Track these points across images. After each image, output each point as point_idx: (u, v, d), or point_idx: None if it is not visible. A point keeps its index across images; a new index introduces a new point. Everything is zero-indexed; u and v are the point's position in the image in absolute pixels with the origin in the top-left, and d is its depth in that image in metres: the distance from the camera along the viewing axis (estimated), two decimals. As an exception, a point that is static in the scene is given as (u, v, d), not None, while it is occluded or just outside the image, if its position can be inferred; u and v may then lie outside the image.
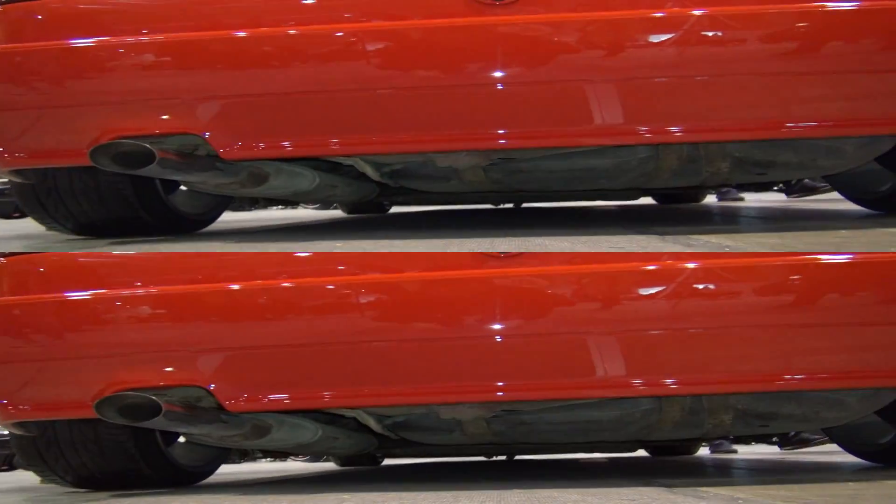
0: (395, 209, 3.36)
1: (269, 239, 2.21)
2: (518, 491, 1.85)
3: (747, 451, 4.48)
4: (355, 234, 2.31)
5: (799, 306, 1.83)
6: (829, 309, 1.83)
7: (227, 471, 2.92)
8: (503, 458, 3.61)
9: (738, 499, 1.67)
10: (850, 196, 2.51)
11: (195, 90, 1.90)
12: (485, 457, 3.59)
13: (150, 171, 1.92)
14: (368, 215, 3.21)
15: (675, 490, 1.83)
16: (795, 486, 1.96)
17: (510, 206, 3.16)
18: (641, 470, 2.66)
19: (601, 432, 2.19)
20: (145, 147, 1.86)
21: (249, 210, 4.15)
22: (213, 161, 1.99)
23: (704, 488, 1.88)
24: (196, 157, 1.99)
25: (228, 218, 2.60)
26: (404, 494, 1.78)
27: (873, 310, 1.83)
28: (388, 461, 3.81)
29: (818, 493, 1.78)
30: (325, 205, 3.79)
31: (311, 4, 1.95)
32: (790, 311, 1.82)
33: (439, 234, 2.23)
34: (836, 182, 2.53)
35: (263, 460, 4.60)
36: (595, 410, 2.10)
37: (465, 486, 2.08)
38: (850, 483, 1.95)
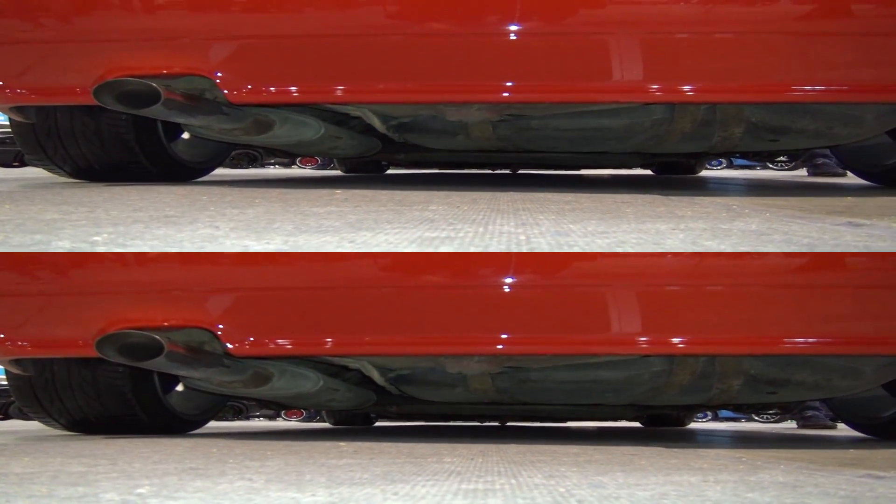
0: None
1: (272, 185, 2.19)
2: (518, 445, 1.84)
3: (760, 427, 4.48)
4: (354, 185, 2.29)
5: (816, 270, 1.78)
6: (845, 273, 1.79)
7: (217, 425, 2.90)
8: (496, 424, 3.61)
9: (742, 458, 1.67)
10: (855, 169, 2.49)
11: (205, 30, 1.85)
12: (478, 422, 3.59)
13: (155, 112, 1.87)
14: (367, 175, 3.19)
15: (674, 451, 1.83)
16: (797, 451, 1.96)
17: (507, 171, 3.14)
18: (637, 437, 2.66)
19: (607, 394, 2.16)
20: (151, 86, 1.82)
21: (247, 168, 4.13)
22: (219, 105, 1.94)
23: (704, 450, 1.87)
24: (202, 99, 1.94)
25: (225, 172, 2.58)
26: (401, 445, 1.77)
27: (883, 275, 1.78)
28: (379, 423, 3.81)
29: (822, 457, 1.78)
30: (325, 161, 3.75)
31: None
32: (807, 273, 1.78)
33: (442, 186, 2.21)
34: (842, 154, 2.51)
35: (256, 419, 4.60)
36: (603, 370, 2.06)
37: (463, 440, 2.06)
38: (852, 450, 1.95)
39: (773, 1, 1.86)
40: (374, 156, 2.57)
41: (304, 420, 4.39)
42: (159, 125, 2.21)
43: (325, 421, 3.83)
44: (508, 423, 3.57)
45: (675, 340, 1.81)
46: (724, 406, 3.22)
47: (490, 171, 3.15)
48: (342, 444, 1.78)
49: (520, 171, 3.14)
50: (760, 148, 2.35)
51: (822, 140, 2.27)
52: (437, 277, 1.82)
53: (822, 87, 1.90)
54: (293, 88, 1.87)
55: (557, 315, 1.83)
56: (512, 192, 1.96)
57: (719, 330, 1.82)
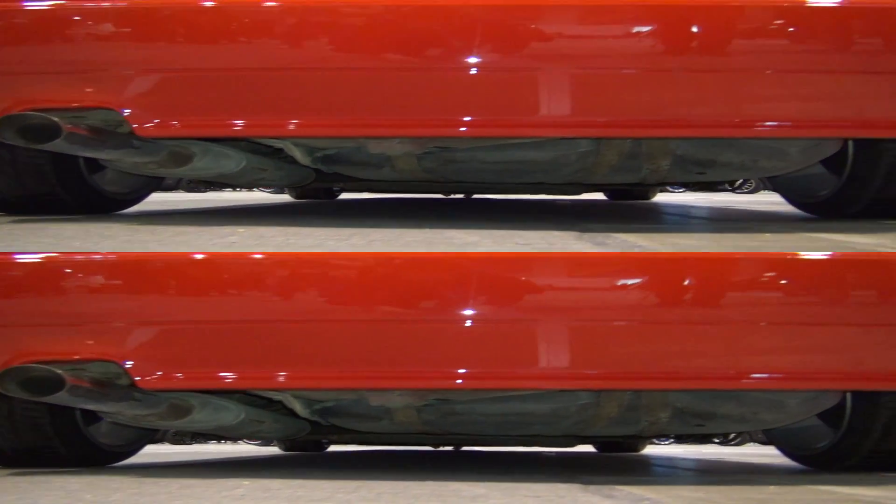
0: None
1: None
2: (426, 483, 1.84)
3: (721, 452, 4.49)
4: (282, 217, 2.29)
5: (736, 305, 1.81)
6: (766, 309, 1.82)
7: (164, 451, 2.90)
8: (449, 448, 3.60)
9: (647, 498, 1.66)
10: (789, 198, 2.49)
11: (111, 62, 1.85)
12: (431, 446, 3.58)
13: (57, 146, 1.86)
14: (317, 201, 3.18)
15: (589, 487, 1.82)
16: (713, 488, 1.96)
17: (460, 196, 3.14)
18: (573, 465, 2.65)
19: (535, 426, 2.17)
20: (51, 120, 1.81)
21: (204, 191, 4.11)
22: (128, 138, 1.93)
23: (620, 486, 1.87)
24: (109, 133, 1.93)
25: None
26: (307, 482, 1.76)
27: (813, 310, 1.82)
28: (334, 447, 3.79)
29: (732, 495, 1.78)
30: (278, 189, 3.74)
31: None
32: (727, 309, 1.81)
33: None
34: (777, 184, 2.52)
35: (212, 442, 4.58)
36: (530, 403, 2.08)
37: (373, 475, 2.05)
38: (771, 486, 1.94)
39: (694, 39, 1.88)
40: (311, 184, 2.58)
41: (261, 444, 4.38)
42: (80, 156, 2.19)
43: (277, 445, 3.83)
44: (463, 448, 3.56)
45: (594, 374, 1.83)
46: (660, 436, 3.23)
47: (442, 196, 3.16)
48: (245, 482, 1.77)
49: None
50: (689, 180, 2.36)
51: (749, 173, 2.29)
52: (353, 311, 1.84)
53: (744, 125, 1.92)
54: (202, 122, 1.86)
55: (478, 350, 1.84)
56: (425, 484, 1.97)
57: (638, 365, 1.83)
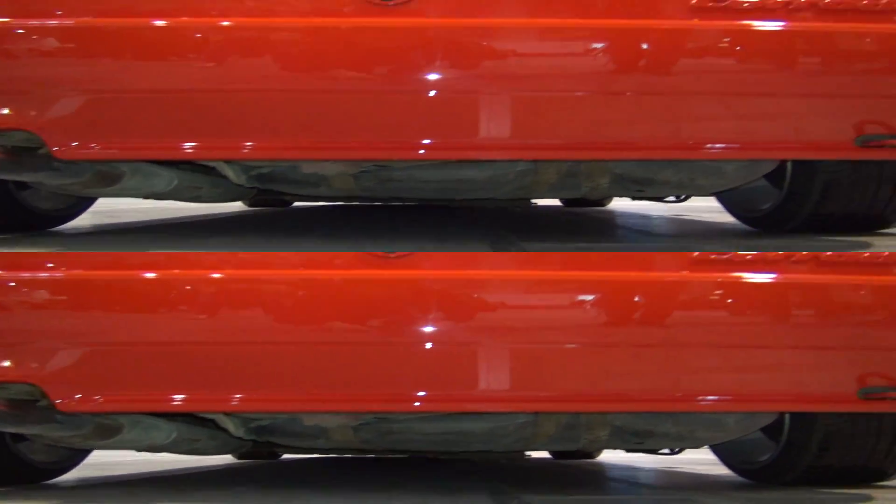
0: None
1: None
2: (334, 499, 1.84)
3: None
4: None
5: (670, 327, 1.81)
6: (702, 331, 1.82)
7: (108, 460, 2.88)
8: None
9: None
10: (732, 211, 2.49)
11: (28, 83, 1.81)
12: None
13: None
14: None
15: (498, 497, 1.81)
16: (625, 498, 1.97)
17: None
18: (506, 475, 2.65)
19: (474, 444, 2.16)
20: None
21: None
22: (49, 160, 1.89)
23: (531, 495, 1.88)
24: (29, 154, 1.89)
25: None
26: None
27: (749, 333, 1.82)
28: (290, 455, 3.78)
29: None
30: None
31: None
32: (661, 331, 1.81)
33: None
34: (720, 197, 2.51)
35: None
36: (467, 422, 2.07)
37: (273, 489, 2.02)
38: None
39: (629, 64, 1.86)
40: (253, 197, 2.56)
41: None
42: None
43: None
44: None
45: (533, 397, 1.84)
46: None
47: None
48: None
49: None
50: (628, 196, 2.36)
51: (687, 190, 2.29)
52: (278, 331, 1.82)
53: (679, 146, 1.91)
54: (123, 145, 1.83)
55: (414, 372, 1.83)
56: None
57: (576, 387, 1.83)
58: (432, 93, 1.82)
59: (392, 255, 1.82)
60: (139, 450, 2.17)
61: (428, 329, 1.81)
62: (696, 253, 1.88)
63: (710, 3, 1.87)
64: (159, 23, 1.81)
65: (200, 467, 2.75)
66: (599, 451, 3.16)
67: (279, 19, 1.82)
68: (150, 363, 1.80)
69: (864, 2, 1.88)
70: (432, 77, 1.82)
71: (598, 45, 1.83)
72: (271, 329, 1.79)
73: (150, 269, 1.81)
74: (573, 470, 2.75)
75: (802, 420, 2.15)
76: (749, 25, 1.85)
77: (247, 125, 1.84)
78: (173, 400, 1.80)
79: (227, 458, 3.36)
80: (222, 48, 1.80)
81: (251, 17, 1.82)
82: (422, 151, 1.89)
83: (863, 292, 1.84)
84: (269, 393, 1.81)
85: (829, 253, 1.88)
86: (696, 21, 1.84)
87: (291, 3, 1.83)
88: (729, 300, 1.83)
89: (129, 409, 1.84)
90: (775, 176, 2.29)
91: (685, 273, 1.83)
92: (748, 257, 1.88)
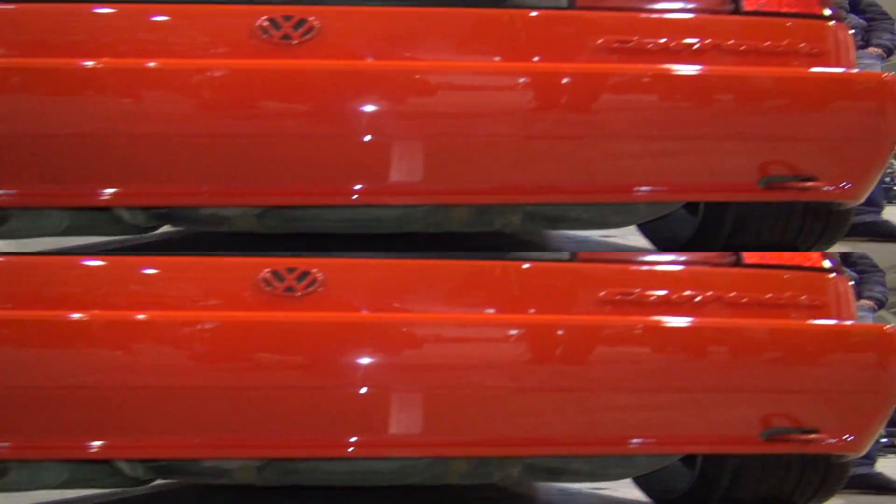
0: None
1: None
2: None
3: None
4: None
5: (576, 371, 1.80)
6: (603, 374, 1.81)
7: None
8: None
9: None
10: (652, 240, 2.49)
11: None
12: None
13: None
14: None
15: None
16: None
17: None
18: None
19: (383, 481, 2.13)
20: None
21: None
22: None
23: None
24: None
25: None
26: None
27: (650, 375, 1.81)
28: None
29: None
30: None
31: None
32: (566, 375, 1.80)
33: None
34: (642, 227, 2.51)
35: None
36: (374, 461, 2.03)
37: None
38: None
39: (535, 107, 1.83)
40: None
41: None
42: None
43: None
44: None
45: (440, 441, 1.82)
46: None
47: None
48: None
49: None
50: (542, 230, 2.34)
51: (599, 226, 2.28)
52: (165, 374, 1.75)
53: (586, 190, 1.91)
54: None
55: (317, 417, 1.79)
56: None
57: (486, 432, 1.82)
58: (336, 136, 1.78)
59: (298, 290, 1.81)
60: (30, 489, 2.12)
61: (331, 373, 1.77)
62: (603, 292, 1.89)
63: (616, 45, 1.86)
64: (43, 63, 1.74)
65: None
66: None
67: (171, 60, 1.76)
68: (32, 408, 1.73)
69: (766, 44, 1.90)
70: (336, 120, 1.78)
71: (503, 88, 1.81)
72: (159, 372, 1.73)
73: (31, 307, 1.76)
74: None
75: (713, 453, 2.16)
76: (653, 68, 1.84)
77: (137, 170, 1.78)
78: (57, 447, 1.74)
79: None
80: (111, 89, 1.74)
81: (142, 58, 1.76)
82: (324, 197, 1.86)
83: (764, 334, 1.85)
84: (159, 439, 1.76)
85: (732, 294, 1.89)
86: (599, 64, 1.83)
87: (184, 42, 1.77)
88: (632, 343, 1.82)
89: (9, 458, 1.78)
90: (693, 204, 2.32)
91: (587, 317, 1.82)
92: (652, 298, 1.88)
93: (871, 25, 4.20)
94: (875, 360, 1.87)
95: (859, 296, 3.74)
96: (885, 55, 4.06)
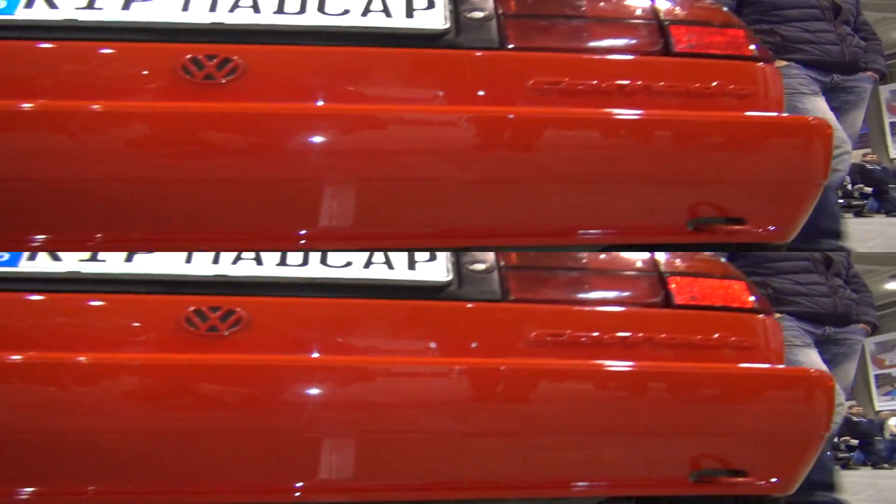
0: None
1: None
2: None
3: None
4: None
5: (498, 415, 1.78)
6: (531, 417, 1.79)
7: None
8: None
9: None
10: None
11: None
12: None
13: None
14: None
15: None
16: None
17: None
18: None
19: None
20: None
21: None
22: None
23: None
24: None
25: None
26: None
27: (578, 417, 1.80)
28: None
29: None
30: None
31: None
32: (491, 420, 1.78)
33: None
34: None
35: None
36: None
37: None
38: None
39: (459, 150, 1.80)
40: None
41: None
42: None
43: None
44: None
45: (373, 487, 1.78)
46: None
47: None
48: None
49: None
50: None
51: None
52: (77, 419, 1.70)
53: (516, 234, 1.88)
54: None
55: (247, 463, 1.75)
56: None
57: (416, 476, 1.79)
58: (259, 182, 1.73)
59: (222, 329, 1.77)
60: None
61: (255, 417, 1.72)
62: (534, 333, 1.87)
63: (547, 86, 1.85)
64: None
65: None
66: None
67: (85, 102, 1.67)
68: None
69: (696, 85, 1.89)
70: (265, 164, 1.73)
71: (426, 132, 1.77)
72: (75, 416, 1.67)
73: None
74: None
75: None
76: (582, 110, 1.81)
77: (49, 217, 1.71)
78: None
79: None
80: (23, 132, 1.66)
81: (55, 99, 1.68)
82: (261, 244, 1.79)
83: (693, 377, 1.84)
84: (77, 487, 1.69)
85: (662, 336, 1.88)
86: (524, 108, 1.80)
87: (99, 83, 1.70)
88: (562, 386, 1.81)
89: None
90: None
91: (517, 360, 1.80)
92: (583, 340, 1.87)
93: (865, 47, 4.25)
94: (803, 402, 1.88)
95: (857, 319, 3.81)
96: (877, 79, 4.12)
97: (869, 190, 13.07)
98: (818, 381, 1.87)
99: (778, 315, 3.26)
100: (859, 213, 13.37)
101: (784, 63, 3.55)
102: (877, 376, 17.73)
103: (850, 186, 13.38)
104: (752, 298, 1.95)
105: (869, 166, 13.37)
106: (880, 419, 14.50)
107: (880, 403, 17.13)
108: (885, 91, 16.56)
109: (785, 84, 3.29)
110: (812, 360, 3.45)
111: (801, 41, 3.63)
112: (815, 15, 3.68)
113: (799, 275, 3.56)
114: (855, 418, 14.10)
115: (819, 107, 3.58)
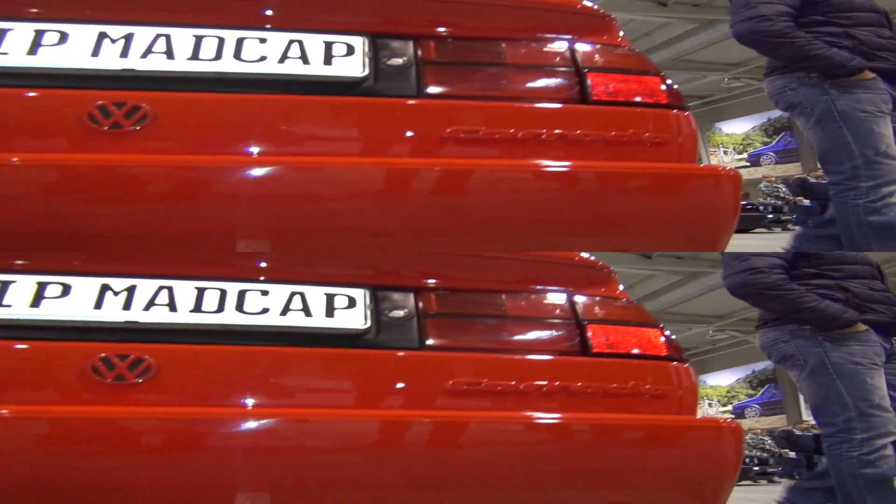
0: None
1: None
2: None
3: None
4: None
5: (411, 467, 1.75)
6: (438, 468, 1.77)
7: None
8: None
9: None
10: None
11: None
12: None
13: None
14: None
15: None
16: None
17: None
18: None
19: None
20: None
21: None
22: None
23: None
24: None
25: None
26: None
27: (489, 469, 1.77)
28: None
29: None
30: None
31: None
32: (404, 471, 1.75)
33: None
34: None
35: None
36: None
37: None
38: None
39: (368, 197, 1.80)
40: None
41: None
42: None
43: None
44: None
45: None
46: None
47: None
48: None
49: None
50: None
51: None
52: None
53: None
54: None
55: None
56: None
57: None
58: (166, 237, 1.71)
59: (129, 378, 1.72)
60: None
61: (163, 470, 1.67)
62: (451, 382, 1.86)
63: (463, 135, 1.83)
64: None
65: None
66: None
67: None
68: None
69: (612, 133, 1.88)
70: (171, 218, 1.71)
71: (340, 180, 1.76)
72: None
73: None
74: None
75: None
76: (498, 161, 1.81)
77: None
78: None
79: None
80: None
81: None
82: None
83: (605, 427, 1.83)
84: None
85: (578, 384, 1.88)
86: (438, 159, 1.79)
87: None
88: (475, 437, 1.78)
89: None
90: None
91: (430, 412, 1.78)
92: (499, 388, 1.86)
93: None
94: (713, 453, 1.89)
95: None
96: None
97: (808, 202, 13.35)
98: (729, 431, 1.88)
99: (863, 327, 3.11)
100: (784, 226, 13.66)
101: (871, 76, 3.18)
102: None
103: (790, 200, 13.65)
104: (667, 345, 1.96)
105: (812, 180, 13.65)
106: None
107: (808, 416, 17.48)
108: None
109: (869, 101, 3.20)
110: (880, 383, 3.14)
111: (878, 47, 3.23)
112: (879, 20, 3.29)
113: (871, 280, 3.27)
114: (797, 432, 14.37)
115: (889, 131, 3.20)
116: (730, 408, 19.92)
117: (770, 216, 13.36)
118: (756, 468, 14.15)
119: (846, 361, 3.04)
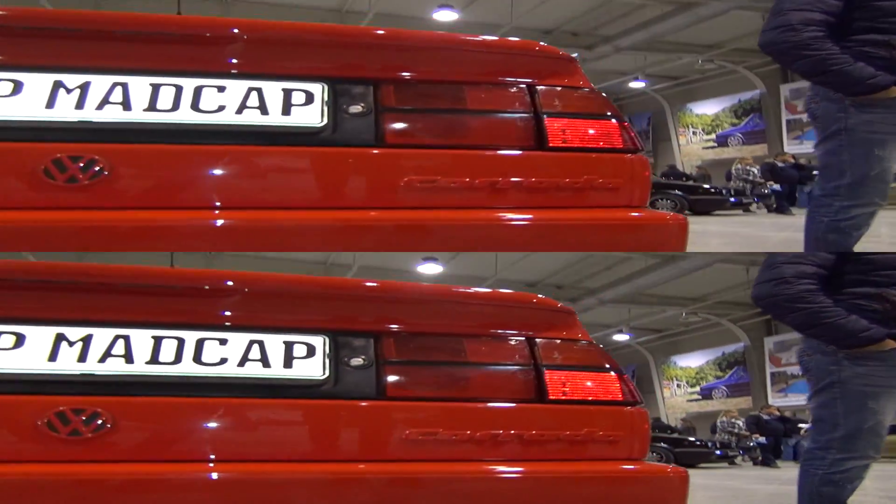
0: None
1: None
2: None
3: None
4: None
5: None
6: None
7: None
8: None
9: None
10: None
11: None
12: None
13: None
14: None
15: None
16: None
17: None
18: None
19: None
20: None
21: None
22: None
23: None
24: None
25: None
26: None
27: None
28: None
29: None
30: None
31: None
32: None
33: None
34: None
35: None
36: None
37: None
38: None
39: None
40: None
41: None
42: None
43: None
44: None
45: None
46: None
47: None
48: None
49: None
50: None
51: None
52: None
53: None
54: None
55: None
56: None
57: None
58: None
59: (84, 433, 1.71)
60: None
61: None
62: (407, 432, 1.86)
63: (420, 184, 1.82)
64: None
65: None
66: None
67: None
68: None
69: (567, 180, 1.88)
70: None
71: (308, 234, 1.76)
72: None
73: None
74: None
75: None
76: (452, 212, 1.82)
77: None
78: None
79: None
80: None
81: None
82: None
83: (558, 475, 1.85)
84: None
85: (533, 432, 1.89)
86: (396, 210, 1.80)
87: None
88: (428, 490, 1.81)
89: None
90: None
91: (389, 465, 1.79)
92: (455, 438, 1.86)
93: None
94: (661, 501, 1.93)
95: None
96: None
97: (778, 186, 13.46)
98: (676, 478, 1.91)
99: (893, 344, 2.80)
100: (746, 208, 13.78)
101: None
102: (772, 374, 18.35)
103: (761, 182, 13.72)
104: (621, 390, 1.98)
105: (780, 164, 13.77)
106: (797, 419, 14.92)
107: (774, 400, 17.77)
108: (784, 90, 17.03)
109: (883, 120, 2.90)
110: (886, 408, 2.95)
111: None
112: None
113: None
114: (765, 417, 14.56)
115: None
116: (698, 388, 20.13)
117: (732, 199, 13.41)
118: (723, 451, 14.33)
119: (856, 383, 2.91)
